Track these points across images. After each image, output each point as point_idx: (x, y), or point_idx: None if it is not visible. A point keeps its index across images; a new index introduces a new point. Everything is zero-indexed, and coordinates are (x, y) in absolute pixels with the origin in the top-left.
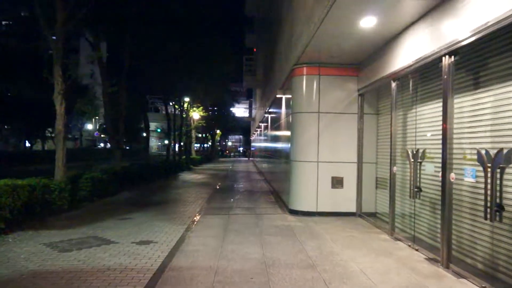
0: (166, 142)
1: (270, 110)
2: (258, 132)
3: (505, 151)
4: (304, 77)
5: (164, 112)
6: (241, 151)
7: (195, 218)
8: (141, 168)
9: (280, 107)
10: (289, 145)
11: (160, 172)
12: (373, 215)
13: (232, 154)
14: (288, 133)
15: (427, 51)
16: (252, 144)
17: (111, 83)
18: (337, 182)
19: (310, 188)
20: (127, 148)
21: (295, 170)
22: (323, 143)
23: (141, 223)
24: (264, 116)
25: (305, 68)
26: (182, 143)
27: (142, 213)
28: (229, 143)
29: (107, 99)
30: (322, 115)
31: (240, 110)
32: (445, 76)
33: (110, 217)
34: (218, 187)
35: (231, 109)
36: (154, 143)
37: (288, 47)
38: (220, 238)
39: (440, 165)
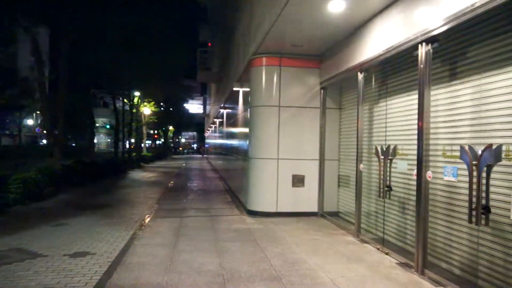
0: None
1: (226, 105)
2: (213, 129)
3: (494, 147)
4: (264, 68)
5: (122, 109)
6: (195, 148)
7: (143, 222)
8: (84, 167)
9: (237, 101)
10: (247, 141)
11: (107, 171)
12: (335, 214)
13: (185, 151)
14: (246, 128)
15: (401, 39)
16: (206, 141)
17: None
18: (298, 181)
19: (270, 187)
20: (73, 145)
21: (254, 168)
22: (284, 139)
23: (79, 230)
24: (220, 111)
25: (264, 59)
26: (132, 140)
27: (81, 217)
28: (183, 140)
29: (43, 89)
30: (282, 109)
31: (194, 106)
32: (422, 66)
33: (42, 223)
34: (170, 186)
35: (184, 105)
36: (103, 140)
37: (247, 36)
38: (170, 246)
39: (414, 162)
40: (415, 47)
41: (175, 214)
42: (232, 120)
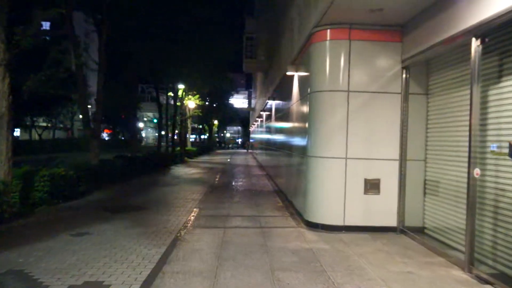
0: (163, 132)
1: (274, 95)
2: (258, 123)
3: None
4: (328, 43)
5: (165, 103)
6: (239, 142)
7: (179, 234)
8: (125, 162)
9: (289, 89)
10: (304, 136)
11: (149, 166)
12: (419, 230)
13: (230, 145)
14: (302, 121)
15: None
16: (251, 135)
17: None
18: (371, 186)
19: (335, 194)
20: (122, 138)
21: (314, 169)
22: (354, 134)
23: (100, 244)
24: (267, 103)
25: (329, 31)
26: (176, 134)
27: (108, 224)
28: (227, 135)
29: (80, 76)
30: (352, 95)
31: (239, 101)
32: None
33: (61, 231)
34: (213, 185)
35: (229, 99)
36: (151, 133)
37: (304, 7)
38: (210, 276)
39: None
40: None
41: (217, 223)
42: (282, 112)
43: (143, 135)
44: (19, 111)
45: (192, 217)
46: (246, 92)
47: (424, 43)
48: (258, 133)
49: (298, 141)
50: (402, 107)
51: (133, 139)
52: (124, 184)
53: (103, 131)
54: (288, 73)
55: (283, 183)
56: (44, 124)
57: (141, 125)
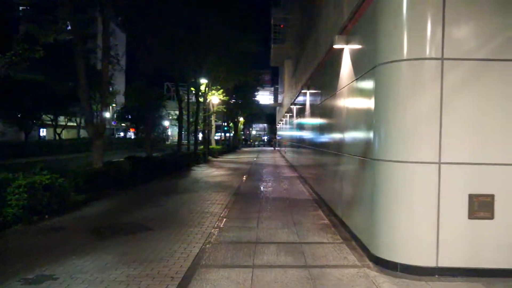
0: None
1: (309, 84)
2: (287, 119)
3: None
4: None
5: (187, 98)
6: (265, 140)
7: (187, 278)
8: (138, 164)
9: (334, 70)
10: (364, 130)
11: (167, 167)
12: None
13: (256, 143)
14: (359, 110)
15: None
16: (278, 132)
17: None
18: (480, 206)
19: (421, 217)
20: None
21: (387, 179)
22: (452, 125)
23: None
24: (299, 94)
25: None
26: (199, 132)
27: (86, 259)
28: (253, 132)
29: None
30: (450, 64)
31: (264, 97)
32: None
33: (13, 274)
34: (238, 192)
35: (255, 95)
36: (176, 132)
37: None
38: None
39: None
40: None
41: (242, 258)
42: (322, 102)
43: (169, 133)
44: (33, 109)
45: (207, 245)
46: (272, 88)
47: None
48: (286, 130)
49: (352, 137)
50: None
51: (149, 137)
52: (133, 191)
53: (129, 130)
54: (336, 46)
55: (325, 191)
56: (69, 124)
57: (166, 123)
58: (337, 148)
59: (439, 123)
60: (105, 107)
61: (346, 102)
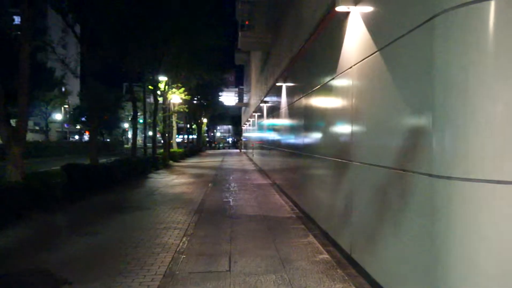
0: (150, 133)
1: (288, 73)
2: (255, 119)
3: None
4: None
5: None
6: (230, 142)
7: None
8: (74, 175)
9: (334, 45)
10: (402, 125)
11: (115, 177)
12: None
13: (221, 145)
14: (386, 92)
15: None
16: (245, 134)
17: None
18: None
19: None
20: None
21: (461, 209)
22: None
23: None
24: (273, 88)
25: None
26: (157, 134)
27: None
28: (218, 134)
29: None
30: None
31: (229, 98)
32: None
33: None
34: (202, 208)
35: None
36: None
37: None
38: None
39: None
40: None
41: None
42: (307, 93)
43: (129, 135)
44: None
45: None
46: (237, 89)
47: None
48: (254, 131)
49: (371, 139)
50: None
51: (94, 140)
52: (64, 211)
53: (85, 132)
54: (339, 9)
55: (316, 207)
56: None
57: (126, 125)
58: (338, 154)
59: None
60: (27, 104)
61: (355, 87)
